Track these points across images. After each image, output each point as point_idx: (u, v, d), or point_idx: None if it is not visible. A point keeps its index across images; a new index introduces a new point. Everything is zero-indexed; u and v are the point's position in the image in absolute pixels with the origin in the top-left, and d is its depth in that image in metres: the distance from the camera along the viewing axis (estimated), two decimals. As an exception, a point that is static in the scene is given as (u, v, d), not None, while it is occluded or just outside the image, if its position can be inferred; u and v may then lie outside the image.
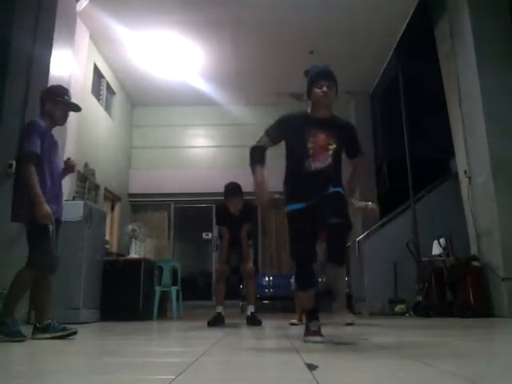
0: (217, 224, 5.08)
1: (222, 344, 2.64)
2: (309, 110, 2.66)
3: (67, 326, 3.04)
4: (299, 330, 3.81)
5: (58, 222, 3.09)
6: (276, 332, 3.79)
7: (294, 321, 4.38)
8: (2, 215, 3.66)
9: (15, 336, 2.71)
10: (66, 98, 3.19)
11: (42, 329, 2.92)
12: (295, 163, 2.58)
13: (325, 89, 2.54)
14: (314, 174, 2.50)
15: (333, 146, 2.51)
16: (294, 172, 2.60)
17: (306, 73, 2.71)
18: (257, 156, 2.62)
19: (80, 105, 3.39)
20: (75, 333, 2.93)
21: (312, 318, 2.52)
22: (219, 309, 4.38)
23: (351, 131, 2.71)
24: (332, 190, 2.45)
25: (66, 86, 3.55)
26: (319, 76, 2.61)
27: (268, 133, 2.65)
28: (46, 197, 2.91)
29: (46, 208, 2.82)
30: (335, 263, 2.43)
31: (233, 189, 4.49)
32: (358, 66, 8.26)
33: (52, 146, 3.11)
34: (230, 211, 4.49)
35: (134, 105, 9.98)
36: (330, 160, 2.50)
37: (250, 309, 4.41)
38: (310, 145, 2.50)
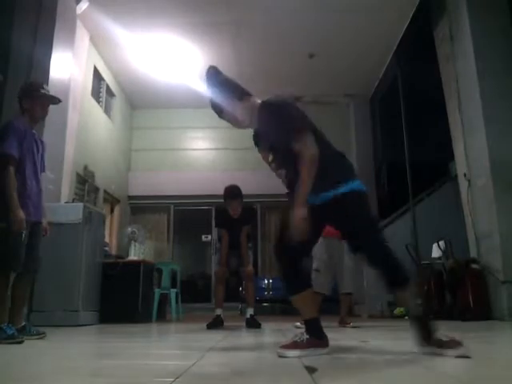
0: (216, 226, 5.08)
1: (221, 347, 2.64)
2: None
3: (39, 329, 3.08)
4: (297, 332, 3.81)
5: (38, 224, 3.07)
6: (275, 334, 3.79)
7: (298, 324, 4.36)
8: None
9: (12, 338, 2.70)
10: (42, 91, 3.13)
11: (16, 331, 2.90)
12: None
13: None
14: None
15: (271, 157, 2.37)
16: None
17: None
18: None
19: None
20: (44, 336, 2.99)
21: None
22: (218, 311, 4.38)
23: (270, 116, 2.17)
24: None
25: (40, 81, 3.45)
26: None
27: None
28: (27, 199, 2.91)
29: (21, 215, 2.81)
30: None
31: (232, 191, 4.49)
32: (357, 69, 8.28)
33: (33, 145, 3.06)
34: (229, 214, 4.49)
35: (134, 107, 9.99)
36: (281, 170, 2.34)
37: (250, 311, 4.40)
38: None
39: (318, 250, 4.09)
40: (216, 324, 4.25)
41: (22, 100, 3.10)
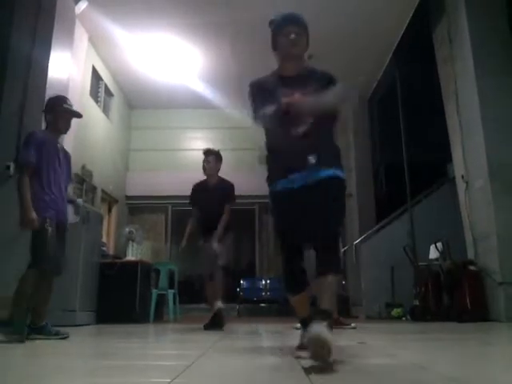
0: (190, 203, 4.81)
1: (218, 347, 2.64)
2: (277, 69, 2.27)
3: (61, 329, 3.09)
4: (295, 334, 3.81)
5: (62, 225, 3.19)
6: (272, 336, 3.79)
7: (298, 325, 4.34)
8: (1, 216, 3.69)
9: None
10: (65, 106, 3.26)
11: (36, 329, 2.97)
12: (273, 135, 2.15)
13: (293, 36, 2.17)
14: (296, 139, 2.02)
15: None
16: (273, 145, 2.16)
17: (271, 24, 2.32)
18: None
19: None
20: (67, 337, 3.00)
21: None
22: (217, 305, 4.09)
23: (329, 79, 2.20)
24: (325, 174, 1.98)
25: (63, 95, 3.62)
26: (286, 22, 2.23)
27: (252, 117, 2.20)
28: (48, 203, 3.01)
29: (32, 215, 2.88)
30: (324, 270, 1.93)
31: (210, 149, 4.56)
32: (356, 71, 8.27)
33: (55, 154, 3.18)
34: (205, 183, 4.50)
35: (133, 107, 9.98)
36: (311, 121, 2.00)
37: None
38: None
39: None
40: (214, 324, 4.21)
41: (46, 114, 3.25)
